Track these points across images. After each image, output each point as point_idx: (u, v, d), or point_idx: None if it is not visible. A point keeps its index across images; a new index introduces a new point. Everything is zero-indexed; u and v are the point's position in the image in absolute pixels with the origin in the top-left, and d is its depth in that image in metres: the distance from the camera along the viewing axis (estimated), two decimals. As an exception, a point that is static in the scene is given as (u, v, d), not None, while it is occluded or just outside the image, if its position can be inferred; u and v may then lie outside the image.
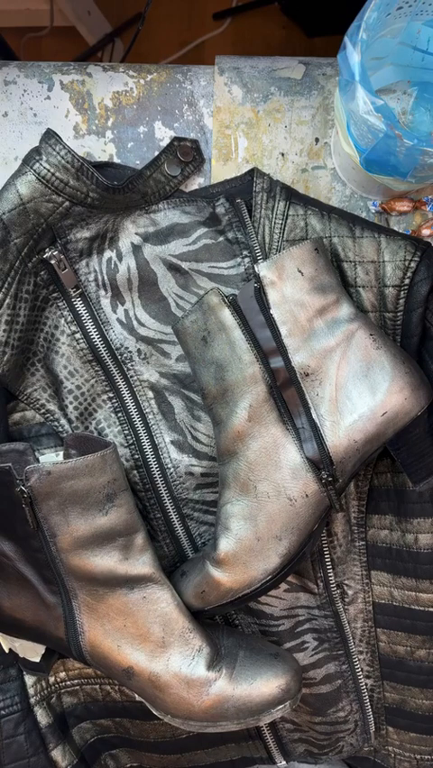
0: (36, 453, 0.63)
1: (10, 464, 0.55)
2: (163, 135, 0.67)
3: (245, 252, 0.62)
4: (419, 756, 0.67)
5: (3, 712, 0.64)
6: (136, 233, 0.63)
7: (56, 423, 0.64)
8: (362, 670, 0.67)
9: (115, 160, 0.68)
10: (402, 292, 0.60)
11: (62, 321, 0.63)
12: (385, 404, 0.56)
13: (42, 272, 0.61)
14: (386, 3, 0.54)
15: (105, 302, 0.64)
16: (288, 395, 0.58)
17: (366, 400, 0.56)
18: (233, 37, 1.47)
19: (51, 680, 0.67)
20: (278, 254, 0.58)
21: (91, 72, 0.67)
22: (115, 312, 0.64)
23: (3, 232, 0.57)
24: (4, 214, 0.57)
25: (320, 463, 0.57)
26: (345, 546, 0.65)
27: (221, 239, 0.63)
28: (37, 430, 0.64)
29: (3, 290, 0.58)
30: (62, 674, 0.67)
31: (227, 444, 0.58)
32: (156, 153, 0.66)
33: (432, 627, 0.65)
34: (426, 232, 0.66)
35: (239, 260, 0.63)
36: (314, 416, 0.57)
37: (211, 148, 0.67)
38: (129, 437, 0.64)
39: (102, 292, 0.63)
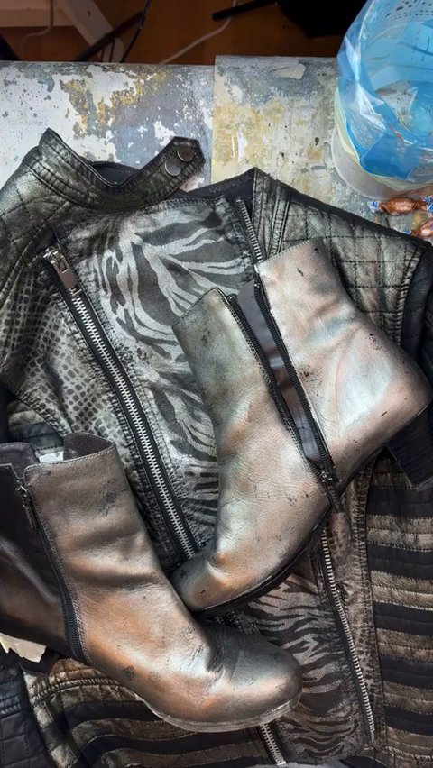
0: (36, 453, 0.63)
1: (10, 464, 0.55)
2: (163, 135, 0.67)
3: (245, 252, 0.62)
4: (419, 756, 0.67)
5: (3, 712, 0.64)
6: (136, 233, 0.63)
7: (56, 423, 0.64)
8: (362, 670, 0.67)
9: (115, 160, 0.68)
10: (402, 292, 0.60)
11: (62, 321, 0.63)
12: (385, 404, 0.56)
13: (42, 272, 0.61)
14: (386, 3, 0.54)
15: (105, 302, 0.64)
16: (288, 395, 0.58)
17: (366, 400, 0.56)
18: (233, 37, 1.47)
19: (51, 680, 0.67)
20: (278, 254, 0.58)
21: (91, 72, 0.67)
22: (115, 312, 0.64)
23: (3, 232, 0.57)
24: (4, 214, 0.57)
25: (320, 463, 0.57)
26: (345, 546, 0.65)
27: (221, 239, 0.63)
28: (37, 430, 0.64)
29: (3, 290, 0.58)
30: (62, 674, 0.67)
31: (227, 444, 0.58)
32: (156, 153, 0.66)
33: (432, 627, 0.65)
34: (426, 232, 0.66)
35: (239, 260, 0.63)
36: (314, 415, 0.57)
37: (211, 148, 0.67)
38: (129, 437, 0.64)
39: (102, 292, 0.63)
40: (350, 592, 0.66)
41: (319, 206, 0.62)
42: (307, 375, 0.57)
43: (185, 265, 0.63)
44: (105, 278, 0.63)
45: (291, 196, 0.62)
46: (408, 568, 0.64)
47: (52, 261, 0.60)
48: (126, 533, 0.57)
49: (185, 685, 0.57)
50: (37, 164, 0.57)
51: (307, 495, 0.57)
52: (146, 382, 0.64)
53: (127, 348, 0.64)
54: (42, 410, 0.64)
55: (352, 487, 0.64)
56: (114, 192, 0.59)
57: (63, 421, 0.64)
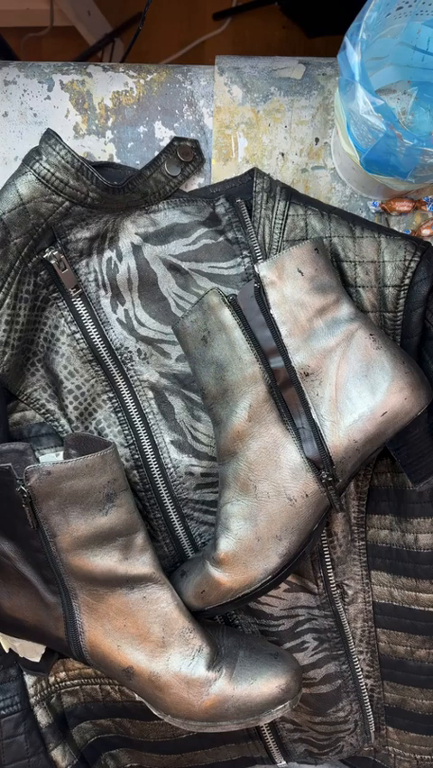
0: (36, 453, 0.63)
1: (10, 464, 0.55)
2: (163, 135, 0.67)
3: (245, 252, 0.62)
4: (419, 756, 0.67)
5: (3, 712, 0.64)
6: (136, 233, 0.63)
7: (56, 423, 0.64)
8: (362, 670, 0.67)
9: (115, 160, 0.68)
10: (402, 292, 0.60)
11: (62, 321, 0.63)
12: (385, 404, 0.56)
13: (42, 272, 0.61)
14: (386, 3, 0.54)
15: (105, 302, 0.64)
16: (288, 395, 0.58)
17: (366, 400, 0.56)
18: (233, 37, 1.47)
19: (51, 680, 0.67)
20: (278, 254, 0.58)
21: (91, 72, 0.67)
22: (115, 312, 0.64)
23: (3, 232, 0.57)
24: (4, 214, 0.57)
25: (320, 463, 0.57)
26: (345, 546, 0.65)
27: (221, 239, 0.63)
28: (37, 430, 0.64)
29: (3, 290, 0.58)
30: (62, 674, 0.67)
31: (227, 444, 0.58)
32: (156, 153, 0.66)
33: (432, 627, 0.65)
34: (426, 232, 0.66)
35: (239, 260, 0.63)
36: (314, 415, 0.57)
37: (211, 148, 0.67)
38: (129, 437, 0.64)
39: (102, 292, 0.63)
40: (350, 592, 0.66)
41: (319, 206, 0.62)
42: (307, 375, 0.57)
43: (185, 265, 0.63)
44: (106, 278, 0.63)
45: (291, 196, 0.62)
46: (408, 568, 0.64)
47: (52, 261, 0.60)
48: (126, 533, 0.57)
49: (185, 685, 0.57)
50: (37, 164, 0.57)
51: (307, 495, 0.57)
52: (146, 382, 0.64)
53: (127, 348, 0.64)
54: (42, 410, 0.64)
55: (352, 487, 0.64)
56: (114, 192, 0.59)
57: (63, 421, 0.64)
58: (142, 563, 0.58)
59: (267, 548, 0.57)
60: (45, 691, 0.66)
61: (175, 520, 0.65)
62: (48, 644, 0.62)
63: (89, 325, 0.63)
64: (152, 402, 0.64)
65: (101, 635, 0.58)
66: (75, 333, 0.63)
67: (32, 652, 0.63)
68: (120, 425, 0.64)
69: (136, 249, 0.63)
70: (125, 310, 0.64)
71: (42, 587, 0.59)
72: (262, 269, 0.57)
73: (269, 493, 0.57)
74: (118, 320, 0.64)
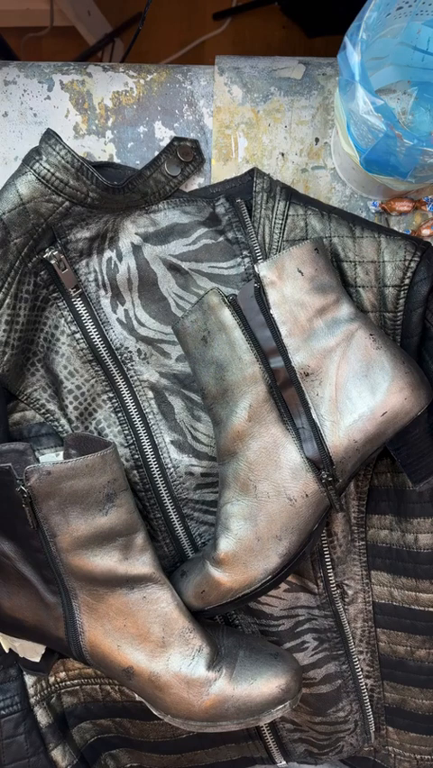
0: (36, 453, 0.63)
1: (10, 464, 0.55)
2: (163, 135, 0.67)
3: (245, 252, 0.62)
4: (419, 756, 0.67)
5: (3, 712, 0.64)
6: (136, 233, 0.63)
7: (56, 423, 0.64)
8: (362, 670, 0.67)
9: (115, 160, 0.68)
10: (402, 292, 0.60)
11: (62, 321, 0.63)
12: (385, 404, 0.56)
13: (42, 272, 0.61)
14: (386, 3, 0.54)
15: (105, 302, 0.64)
16: (288, 395, 0.58)
17: (366, 400, 0.56)
18: (233, 37, 1.47)
19: (51, 680, 0.67)
20: (278, 254, 0.58)
21: (91, 72, 0.67)
22: (115, 312, 0.64)
23: (3, 232, 0.57)
24: (4, 214, 0.57)
25: (320, 463, 0.57)
26: (345, 546, 0.65)
27: (221, 239, 0.63)
28: (37, 430, 0.64)
29: (3, 290, 0.58)
30: (62, 674, 0.67)
31: (227, 444, 0.58)
32: (156, 153, 0.66)
33: (432, 627, 0.65)
34: (426, 232, 0.66)
35: (239, 260, 0.63)
36: (314, 415, 0.57)
37: (211, 148, 0.67)
38: (129, 437, 0.64)
39: (102, 292, 0.63)
40: (350, 592, 0.66)
41: (319, 206, 0.62)
42: (307, 375, 0.57)
43: (185, 265, 0.63)
44: (105, 278, 0.63)
45: (291, 196, 0.62)
46: (408, 568, 0.64)
47: (52, 261, 0.60)
48: (126, 533, 0.57)
49: (185, 685, 0.57)
50: (37, 164, 0.57)
51: (307, 495, 0.57)
52: (146, 382, 0.64)
53: (127, 348, 0.64)
54: (42, 410, 0.64)
55: (352, 487, 0.64)
56: (114, 192, 0.59)
57: (63, 421, 0.64)
58: (142, 563, 0.58)
59: (267, 548, 0.57)
60: (45, 691, 0.66)
61: (175, 520, 0.65)
62: (48, 644, 0.62)
63: (89, 325, 0.63)
64: (152, 402, 0.64)
65: (101, 635, 0.58)
66: (75, 333, 0.63)
67: (32, 652, 0.63)
68: (120, 425, 0.64)
69: (136, 249, 0.63)
70: (125, 310, 0.64)
71: (42, 587, 0.59)
72: (262, 269, 0.57)
73: (269, 493, 0.57)
74: (118, 320, 0.64)
